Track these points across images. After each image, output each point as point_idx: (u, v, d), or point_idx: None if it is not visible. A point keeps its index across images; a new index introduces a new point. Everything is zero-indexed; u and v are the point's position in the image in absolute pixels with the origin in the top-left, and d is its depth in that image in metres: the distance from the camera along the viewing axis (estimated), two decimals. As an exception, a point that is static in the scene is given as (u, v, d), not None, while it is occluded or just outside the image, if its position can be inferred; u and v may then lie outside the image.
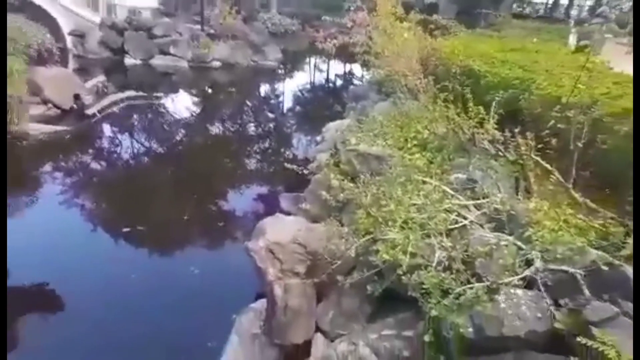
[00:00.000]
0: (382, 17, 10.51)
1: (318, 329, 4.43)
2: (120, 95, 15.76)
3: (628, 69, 6.70)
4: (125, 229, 7.04)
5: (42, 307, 5.51)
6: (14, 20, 12.37)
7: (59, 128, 10.87)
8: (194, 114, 15.44)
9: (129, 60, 19.92)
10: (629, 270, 3.01)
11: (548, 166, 4.57)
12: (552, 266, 3.28)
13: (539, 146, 4.88)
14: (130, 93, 16.23)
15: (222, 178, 9.86)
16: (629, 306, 2.82)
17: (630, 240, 3.32)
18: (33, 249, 6.42)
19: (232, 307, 5.19)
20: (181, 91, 18.14)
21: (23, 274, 5.92)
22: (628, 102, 4.72)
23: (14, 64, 9.88)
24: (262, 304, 4.82)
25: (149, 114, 14.81)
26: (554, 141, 4.73)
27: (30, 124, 10.48)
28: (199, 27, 22.99)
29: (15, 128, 9.90)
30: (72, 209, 8.04)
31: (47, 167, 9.66)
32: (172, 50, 20.44)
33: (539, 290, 3.17)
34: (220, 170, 10.36)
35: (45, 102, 11.60)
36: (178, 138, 12.94)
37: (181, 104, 16.01)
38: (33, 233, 7.00)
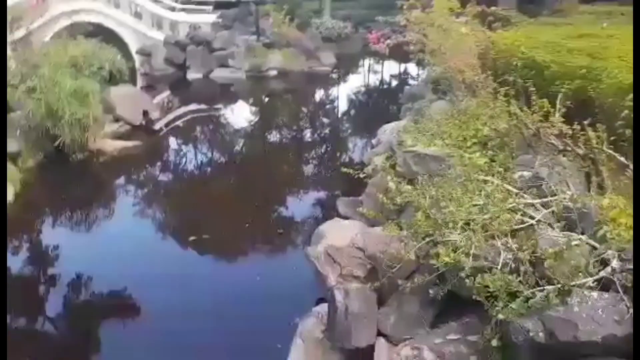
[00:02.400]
0: (437, 13, 10.26)
1: (380, 334, 4.40)
2: (184, 109, 16.57)
3: None
4: (191, 238, 7.35)
5: (120, 313, 5.89)
6: (88, 44, 13.41)
7: (130, 143, 11.60)
8: (252, 122, 15.91)
9: (191, 75, 20.88)
10: None
11: (623, 159, 4.26)
12: (630, 266, 3.04)
13: (612, 138, 4.56)
14: (193, 106, 17.01)
15: (281, 185, 10.06)
16: None
17: None
18: (110, 258, 6.90)
19: (295, 311, 5.27)
20: (240, 101, 18.74)
21: (102, 283, 6.38)
22: None
23: (89, 85, 10.66)
24: (323, 308, 4.85)
25: (211, 125, 15.45)
26: (628, 132, 4.40)
27: (105, 140, 11.26)
28: (254, 37, 23.65)
29: (92, 146, 10.68)
30: (144, 220, 8.56)
31: (121, 181, 10.35)
32: (230, 62, 21.14)
33: (617, 292, 2.95)
34: (279, 177, 10.58)
35: (117, 119, 12.42)
36: (238, 147, 13.38)
37: (240, 114, 16.55)
38: (110, 243, 7.54)
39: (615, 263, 3.14)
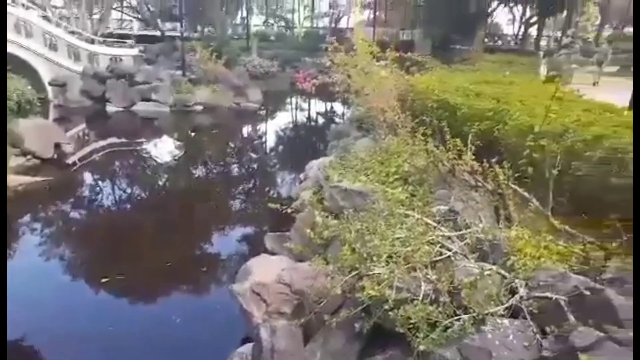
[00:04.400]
0: (360, 57, 10.82)
1: (307, 372, 4.31)
2: (102, 142, 15.76)
3: (598, 96, 6.99)
4: (103, 279, 6.85)
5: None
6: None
7: (38, 179, 10.75)
8: (176, 157, 15.45)
9: (110, 108, 20.03)
10: (611, 294, 3.04)
11: (526, 194, 4.65)
12: (536, 293, 3.28)
13: (516, 175, 4.99)
14: (113, 140, 16.23)
15: (205, 221, 9.77)
16: (613, 330, 2.82)
17: (610, 264, 3.36)
18: (11, 303, 6.20)
19: (219, 353, 5.03)
20: (164, 136, 18.20)
21: (-1, 331, 5.68)
22: (599, 129, 4.88)
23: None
24: (247, 348, 4.69)
25: (131, 160, 14.77)
26: (530, 169, 4.84)
27: (9, 176, 10.34)
28: (180, 72, 23.36)
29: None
30: (51, 261, 7.85)
31: (27, 219, 9.48)
32: (153, 96, 20.64)
33: (525, 318, 3.16)
34: (204, 213, 10.29)
35: (25, 153, 11.51)
36: (161, 183, 12.88)
37: (164, 149, 16.04)
38: (11, 287, 6.78)
39: (522, 291, 3.38)
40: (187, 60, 23.79)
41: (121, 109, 20.02)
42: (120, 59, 22.72)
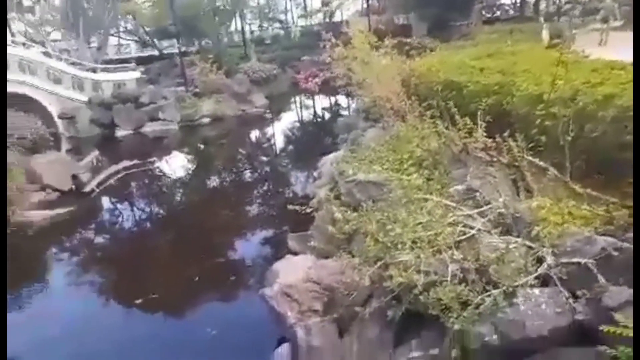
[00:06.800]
0: (358, 48, 10.79)
1: (346, 365, 4.36)
2: (115, 167, 16.01)
3: (604, 55, 6.82)
4: (137, 301, 6.98)
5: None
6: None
7: (60, 211, 10.98)
8: (189, 171, 15.63)
9: (120, 132, 20.31)
10: None
11: (542, 164, 4.62)
12: (563, 259, 3.27)
13: (530, 145, 4.95)
14: (125, 163, 16.48)
15: (225, 229, 9.86)
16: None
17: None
18: (50, 338, 6.36)
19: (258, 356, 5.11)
20: (174, 152, 18.41)
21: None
22: (609, 88, 4.79)
23: (9, 157, 10.08)
24: (285, 349, 4.75)
25: (146, 180, 15.00)
26: (543, 138, 4.80)
27: (32, 212, 10.60)
28: (182, 88, 23.57)
29: (18, 219, 10.01)
30: (82, 288, 8.02)
31: (54, 250, 9.71)
32: (160, 115, 20.88)
33: (555, 285, 3.16)
34: (223, 222, 10.38)
35: (44, 188, 11.77)
36: (177, 198, 13.05)
37: (176, 164, 16.24)
38: (48, 321, 6.95)
39: (550, 259, 3.37)
40: (188, 75, 23.99)
41: (130, 132, 20.29)
42: (124, 84, 23.01)
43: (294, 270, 5.51)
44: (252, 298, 6.33)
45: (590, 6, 16.98)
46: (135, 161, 16.79)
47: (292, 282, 5.22)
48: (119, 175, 15.14)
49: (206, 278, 7.62)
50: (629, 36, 6.56)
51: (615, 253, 3.04)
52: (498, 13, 34.63)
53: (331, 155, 10.75)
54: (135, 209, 12.11)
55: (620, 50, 7.45)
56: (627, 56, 6.41)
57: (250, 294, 6.98)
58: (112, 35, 34.12)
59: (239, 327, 6.21)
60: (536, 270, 3.32)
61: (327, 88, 14.57)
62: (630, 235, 3.20)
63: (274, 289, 5.26)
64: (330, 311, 4.68)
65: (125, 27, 35.80)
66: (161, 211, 11.93)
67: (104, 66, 24.51)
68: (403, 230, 4.28)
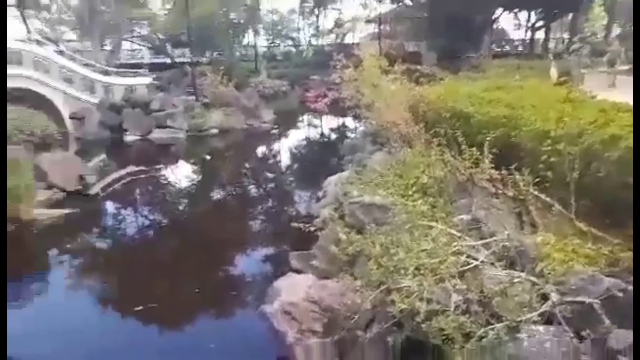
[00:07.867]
0: (368, 71, 10.96)
1: (343, 389, 4.35)
2: (122, 172, 16.08)
3: (611, 97, 6.95)
4: (136, 308, 6.96)
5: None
6: (16, 112, 12.89)
7: (65, 211, 11.02)
8: (194, 182, 15.69)
9: (128, 137, 20.47)
10: (644, 294, 3.04)
11: (548, 199, 4.68)
12: (568, 298, 3.30)
13: (536, 180, 5.01)
14: (132, 168, 16.57)
15: (228, 244, 9.86)
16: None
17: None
18: (45, 336, 6.35)
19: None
20: (181, 161, 18.51)
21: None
22: (615, 129, 4.88)
23: (19, 153, 10.17)
24: (283, 367, 4.74)
25: (150, 187, 15.06)
26: (549, 174, 4.87)
27: (37, 209, 10.64)
28: (192, 97, 23.82)
29: (24, 216, 10.05)
30: (82, 292, 8.00)
31: (56, 251, 9.71)
32: (168, 122, 21.07)
33: (560, 324, 3.17)
34: (226, 235, 10.38)
35: (50, 186, 11.83)
36: (181, 207, 13.08)
37: (181, 174, 16.31)
38: (44, 320, 6.95)
39: (554, 296, 3.39)
40: (198, 85, 24.27)
41: (138, 138, 20.44)
42: (135, 88, 23.28)
43: (295, 288, 5.53)
44: (252, 315, 6.31)
45: (599, 47, 17.20)
46: (142, 167, 16.88)
47: (293, 301, 5.24)
48: (125, 180, 15.20)
49: (206, 291, 7.60)
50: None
51: (620, 294, 3.07)
52: (507, 48, 35.14)
53: (336, 176, 10.81)
54: (138, 215, 12.14)
55: (627, 93, 7.58)
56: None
57: (250, 310, 6.94)
58: (126, 39, 34.64)
59: (238, 344, 6.16)
60: (540, 307, 3.34)
61: (336, 108, 14.71)
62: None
63: (275, 306, 5.28)
64: (330, 332, 4.69)
65: (139, 33, 36.33)
66: (164, 220, 11.95)
67: (116, 70, 24.82)
68: (407, 255, 4.31)
